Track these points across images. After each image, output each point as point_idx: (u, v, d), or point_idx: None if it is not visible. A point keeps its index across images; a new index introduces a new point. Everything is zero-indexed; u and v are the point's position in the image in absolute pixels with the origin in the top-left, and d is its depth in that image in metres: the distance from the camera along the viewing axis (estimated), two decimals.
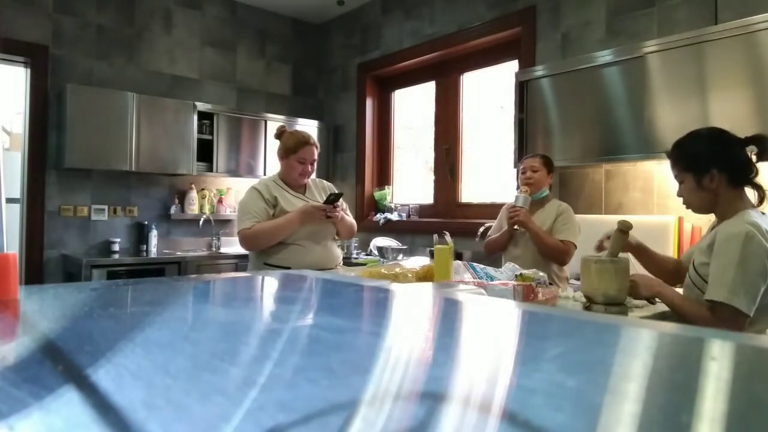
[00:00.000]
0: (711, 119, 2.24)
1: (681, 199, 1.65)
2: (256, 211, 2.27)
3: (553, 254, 2.35)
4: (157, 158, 3.80)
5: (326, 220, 2.30)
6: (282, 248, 2.28)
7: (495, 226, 2.64)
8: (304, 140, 2.36)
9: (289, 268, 2.19)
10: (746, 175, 1.54)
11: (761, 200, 1.56)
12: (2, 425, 0.30)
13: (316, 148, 2.41)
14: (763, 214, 1.54)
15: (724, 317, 1.43)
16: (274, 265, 2.27)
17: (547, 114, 2.95)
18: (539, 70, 2.99)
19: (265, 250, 2.30)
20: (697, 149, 1.58)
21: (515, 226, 2.38)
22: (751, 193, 1.57)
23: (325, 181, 2.63)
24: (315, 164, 2.43)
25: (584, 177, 3.04)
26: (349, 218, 2.48)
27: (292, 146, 2.35)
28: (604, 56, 2.68)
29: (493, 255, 2.65)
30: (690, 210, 1.66)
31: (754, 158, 1.53)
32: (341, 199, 2.38)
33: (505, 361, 0.48)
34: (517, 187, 2.52)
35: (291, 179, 2.40)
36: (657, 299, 1.68)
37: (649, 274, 1.74)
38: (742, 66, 2.21)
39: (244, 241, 2.30)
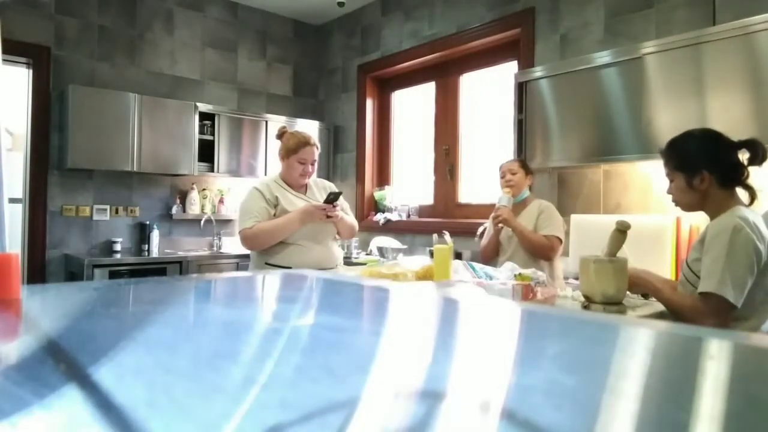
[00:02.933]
0: (709, 120, 2.24)
1: (671, 196, 1.66)
2: (257, 210, 2.28)
3: (538, 250, 2.39)
4: (159, 158, 3.80)
5: (327, 220, 2.30)
6: (283, 248, 2.29)
7: (486, 233, 2.66)
8: (304, 141, 2.37)
9: (289, 267, 2.20)
10: (736, 177, 1.55)
11: (752, 200, 1.57)
12: (5, 423, 0.30)
13: (317, 148, 2.42)
14: (754, 212, 1.56)
15: (713, 307, 1.46)
16: (275, 264, 2.28)
17: (545, 115, 2.95)
18: (538, 71, 2.99)
19: (266, 249, 2.31)
20: (690, 150, 1.60)
21: (499, 225, 2.45)
22: (743, 194, 1.59)
23: (326, 181, 2.63)
24: (316, 165, 2.44)
25: (583, 177, 3.04)
26: (350, 218, 2.48)
27: (292, 147, 2.36)
28: (603, 57, 2.68)
29: (488, 261, 2.67)
30: (679, 208, 1.68)
31: (745, 162, 1.54)
32: (342, 200, 2.39)
33: (504, 360, 0.48)
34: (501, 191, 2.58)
35: (292, 179, 2.41)
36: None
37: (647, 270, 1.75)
38: (740, 67, 2.21)
39: (245, 240, 2.30)
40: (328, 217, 2.28)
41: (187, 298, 0.82)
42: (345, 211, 2.44)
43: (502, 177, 2.56)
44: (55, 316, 0.65)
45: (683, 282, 1.62)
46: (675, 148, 1.63)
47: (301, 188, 2.45)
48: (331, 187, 2.56)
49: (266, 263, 2.31)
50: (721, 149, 1.56)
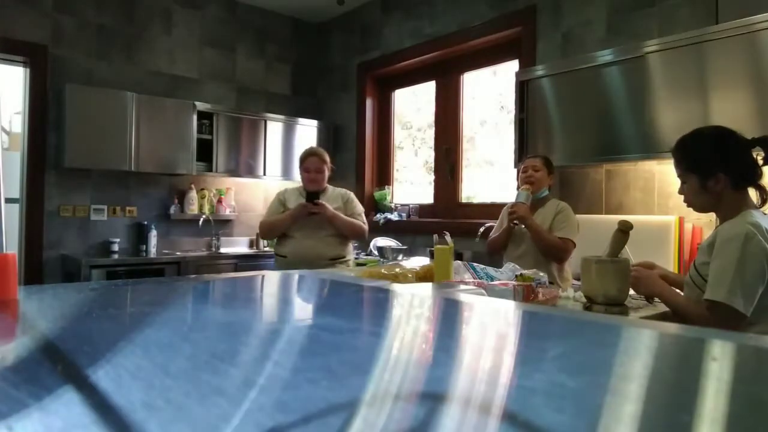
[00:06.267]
0: (711, 119, 2.24)
1: (682, 196, 1.63)
2: (270, 208, 2.91)
3: (551, 251, 2.35)
4: (157, 158, 3.79)
5: (310, 216, 2.70)
6: (284, 239, 2.80)
7: (497, 226, 2.65)
8: (308, 152, 2.87)
9: (285, 256, 2.75)
10: (751, 177, 1.51)
11: (764, 202, 1.54)
12: (2, 425, 0.30)
13: (320, 158, 2.81)
14: (765, 214, 1.53)
15: (722, 317, 1.43)
16: (278, 253, 2.83)
17: (547, 114, 2.95)
18: (540, 70, 2.99)
19: (277, 242, 2.86)
20: (703, 151, 1.55)
21: (515, 222, 2.40)
22: (754, 194, 1.56)
23: (342, 190, 2.94)
24: (324, 174, 2.81)
25: (585, 177, 3.03)
26: (351, 219, 2.80)
27: (301, 158, 2.87)
28: (605, 56, 2.68)
29: (494, 254, 2.65)
30: (691, 209, 1.65)
31: (760, 161, 1.50)
32: (356, 204, 2.86)
33: (505, 362, 0.48)
34: (518, 187, 2.53)
35: (304, 186, 2.84)
36: (656, 299, 1.67)
37: (651, 269, 1.73)
38: (742, 66, 2.21)
39: (258, 230, 2.91)
40: (311, 213, 2.69)
41: (184, 299, 0.81)
42: (353, 214, 2.82)
43: (524, 173, 2.50)
44: (52, 317, 0.64)
45: (689, 284, 1.59)
46: (686, 148, 1.58)
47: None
48: (344, 194, 2.90)
49: (276, 253, 2.86)
50: (735, 149, 1.51)
